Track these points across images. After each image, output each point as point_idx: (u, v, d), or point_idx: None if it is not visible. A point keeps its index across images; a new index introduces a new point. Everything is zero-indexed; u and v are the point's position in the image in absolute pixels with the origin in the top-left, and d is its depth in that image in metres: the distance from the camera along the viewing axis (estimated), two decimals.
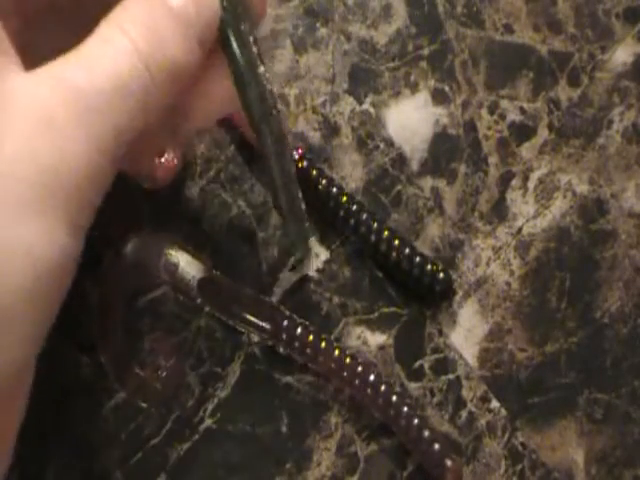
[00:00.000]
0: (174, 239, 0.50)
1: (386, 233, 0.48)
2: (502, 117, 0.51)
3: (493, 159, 0.51)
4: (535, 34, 0.52)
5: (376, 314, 0.49)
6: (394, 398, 0.46)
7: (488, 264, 0.50)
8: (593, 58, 0.52)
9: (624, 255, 0.50)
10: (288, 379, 0.49)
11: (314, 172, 0.48)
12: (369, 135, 0.51)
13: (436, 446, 0.45)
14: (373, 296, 0.50)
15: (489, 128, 0.51)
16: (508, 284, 0.50)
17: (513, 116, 0.52)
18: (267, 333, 0.47)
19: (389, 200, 0.51)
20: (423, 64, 0.52)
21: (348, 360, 0.46)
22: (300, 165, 0.48)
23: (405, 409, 0.46)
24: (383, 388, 0.46)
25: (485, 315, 0.50)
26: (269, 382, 0.49)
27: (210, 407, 0.49)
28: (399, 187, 0.51)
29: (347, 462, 0.48)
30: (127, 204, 0.50)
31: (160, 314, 0.50)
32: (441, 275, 0.48)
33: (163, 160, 0.50)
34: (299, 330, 0.47)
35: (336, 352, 0.47)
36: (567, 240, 0.50)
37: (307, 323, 0.48)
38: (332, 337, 0.49)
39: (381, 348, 0.49)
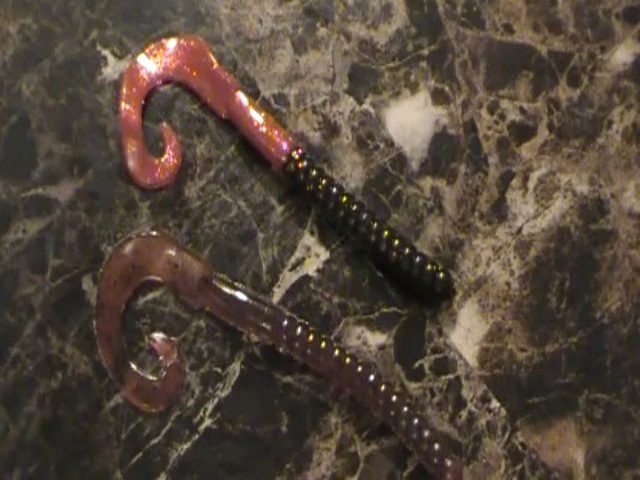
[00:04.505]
0: (174, 239, 0.50)
1: (386, 233, 0.48)
2: (502, 117, 0.52)
3: (493, 159, 0.51)
4: (535, 34, 0.52)
5: (376, 314, 0.49)
6: (394, 398, 0.46)
7: (488, 264, 0.50)
8: (593, 58, 0.52)
9: (624, 255, 0.50)
10: (288, 379, 0.49)
11: (314, 172, 0.48)
12: (369, 135, 0.51)
13: (436, 446, 0.45)
14: (373, 296, 0.50)
15: (489, 128, 0.51)
16: (508, 284, 0.50)
17: (513, 116, 0.52)
18: (267, 333, 0.47)
19: (389, 200, 0.51)
20: (423, 64, 0.52)
21: (348, 360, 0.47)
22: (300, 165, 0.48)
23: (405, 409, 0.46)
24: (383, 388, 0.46)
25: (485, 315, 0.50)
26: (269, 382, 0.49)
27: (210, 407, 0.49)
28: (399, 187, 0.51)
29: (347, 462, 0.48)
30: (127, 204, 0.50)
31: (160, 314, 0.50)
32: (441, 275, 0.48)
33: (163, 160, 0.51)
34: (299, 330, 0.47)
35: (336, 352, 0.47)
36: (567, 240, 0.51)
37: (307, 323, 0.48)
38: (332, 337, 0.49)
39: (381, 348, 0.49)
